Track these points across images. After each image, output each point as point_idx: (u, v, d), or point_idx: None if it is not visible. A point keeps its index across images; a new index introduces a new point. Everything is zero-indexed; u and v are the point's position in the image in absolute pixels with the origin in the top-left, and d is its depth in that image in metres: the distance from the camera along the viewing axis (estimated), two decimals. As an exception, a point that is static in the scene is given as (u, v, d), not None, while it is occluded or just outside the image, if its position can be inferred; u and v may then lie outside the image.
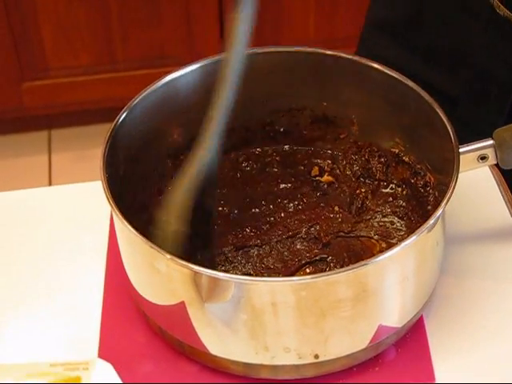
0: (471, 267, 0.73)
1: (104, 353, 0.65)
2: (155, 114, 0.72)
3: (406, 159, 0.74)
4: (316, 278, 0.59)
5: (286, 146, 0.79)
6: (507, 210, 0.77)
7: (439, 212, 0.61)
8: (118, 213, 0.61)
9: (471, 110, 0.73)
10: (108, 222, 0.76)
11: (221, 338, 0.63)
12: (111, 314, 0.69)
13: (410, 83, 0.70)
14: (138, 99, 0.70)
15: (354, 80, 0.74)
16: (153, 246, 0.59)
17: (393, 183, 0.76)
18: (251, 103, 0.75)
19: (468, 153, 0.66)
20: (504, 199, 0.78)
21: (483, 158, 0.67)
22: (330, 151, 0.78)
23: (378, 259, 0.59)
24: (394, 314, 0.65)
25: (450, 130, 0.66)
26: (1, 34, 1.72)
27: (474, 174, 0.70)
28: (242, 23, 0.63)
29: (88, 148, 1.90)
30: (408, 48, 0.70)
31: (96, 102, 1.83)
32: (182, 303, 0.61)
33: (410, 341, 0.67)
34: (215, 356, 0.64)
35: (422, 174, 0.73)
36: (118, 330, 0.68)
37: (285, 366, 0.64)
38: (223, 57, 0.65)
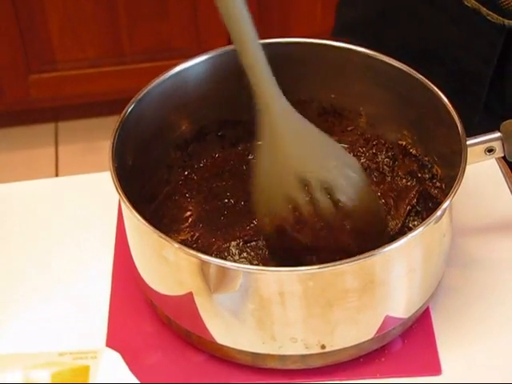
0: (477, 259, 0.73)
1: (112, 342, 0.66)
2: (163, 106, 0.72)
3: (414, 152, 0.74)
4: (323, 268, 0.59)
5: None
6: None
7: (446, 204, 0.61)
8: (126, 201, 0.61)
9: None
10: (116, 213, 0.77)
11: (228, 328, 0.63)
12: (119, 303, 0.69)
13: (418, 76, 0.70)
14: (146, 90, 0.70)
15: (361, 72, 0.74)
16: (161, 235, 0.60)
17: (399, 176, 0.76)
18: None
19: (475, 145, 0.66)
20: (511, 192, 0.78)
21: (490, 150, 0.67)
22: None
23: (384, 250, 0.59)
24: (401, 305, 0.65)
25: (457, 123, 0.66)
26: (8, 27, 1.72)
27: (481, 167, 0.70)
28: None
29: (94, 140, 1.91)
30: (380, 47, 0.70)
31: (103, 94, 1.83)
32: (190, 293, 0.62)
33: (417, 331, 0.67)
34: (222, 345, 0.64)
35: (429, 166, 0.73)
36: (126, 320, 0.68)
37: (292, 356, 0.64)
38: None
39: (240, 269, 0.59)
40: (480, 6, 0.78)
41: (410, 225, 0.73)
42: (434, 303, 0.69)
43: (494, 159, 0.79)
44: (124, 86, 1.69)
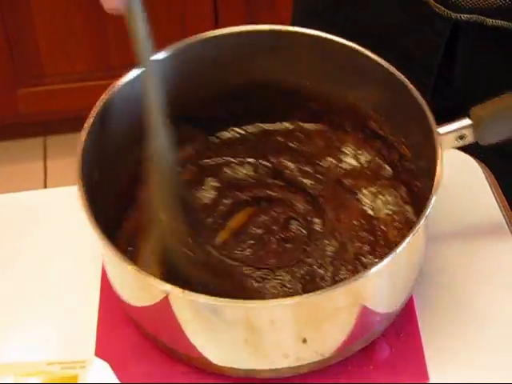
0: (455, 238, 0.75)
1: (100, 352, 0.66)
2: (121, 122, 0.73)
3: (381, 133, 0.75)
4: (309, 296, 0.59)
5: (250, 127, 0.80)
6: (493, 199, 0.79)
7: (422, 221, 0.62)
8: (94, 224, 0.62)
9: None
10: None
11: (218, 348, 0.63)
12: (108, 313, 0.69)
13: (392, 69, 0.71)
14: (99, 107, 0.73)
15: (318, 55, 0.74)
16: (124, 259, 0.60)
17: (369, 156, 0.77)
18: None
19: (447, 134, 0.67)
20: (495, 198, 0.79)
21: (461, 137, 0.68)
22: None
23: (369, 272, 0.59)
24: (385, 306, 0.65)
25: (427, 114, 0.67)
26: (-4, 41, 1.72)
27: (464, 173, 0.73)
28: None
29: (83, 154, 1.90)
30: (331, 29, 0.72)
31: (91, 108, 1.82)
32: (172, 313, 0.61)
33: (404, 340, 0.68)
34: (213, 363, 0.64)
35: (397, 146, 0.74)
36: (115, 330, 0.68)
37: (284, 368, 0.64)
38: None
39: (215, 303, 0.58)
40: None
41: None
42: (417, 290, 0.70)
43: (478, 167, 0.80)
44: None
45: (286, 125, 0.80)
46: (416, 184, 0.72)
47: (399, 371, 0.66)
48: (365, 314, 0.63)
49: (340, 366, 0.66)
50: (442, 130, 0.67)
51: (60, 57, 1.78)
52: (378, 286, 0.62)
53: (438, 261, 0.73)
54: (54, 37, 1.74)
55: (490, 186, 0.79)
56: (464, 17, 0.78)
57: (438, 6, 0.79)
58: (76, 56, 1.78)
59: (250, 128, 0.80)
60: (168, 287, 0.58)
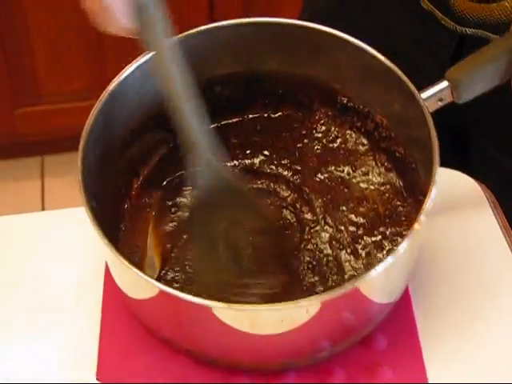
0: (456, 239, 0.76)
1: (102, 376, 0.65)
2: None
3: (352, 105, 0.76)
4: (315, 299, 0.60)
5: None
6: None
7: (421, 218, 0.62)
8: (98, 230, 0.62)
9: None
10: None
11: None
12: (110, 335, 0.69)
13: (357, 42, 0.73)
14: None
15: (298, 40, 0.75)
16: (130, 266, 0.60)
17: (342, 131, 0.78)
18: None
19: (429, 98, 0.69)
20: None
21: (441, 99, 0.70)
22: None
23: (366, 278, 0.60)
24: (386, 297, 0.66)
25: (406, 81, 0.69)
26: (-6, 60, 1.72)
27: (465, 194, 0.74)
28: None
29: (81, 173, 1.90)
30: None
31: (89, 127, 1.83)
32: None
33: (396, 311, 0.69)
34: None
35: (371, 116, 0.75)
36: (117, 353, 0.67)
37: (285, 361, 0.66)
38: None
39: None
40: (435, 10, 0.80)
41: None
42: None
43: (483, 195, 0.80)
44: (110, 119, 1.69)
45: (249, 116, 0.80)
46: (398, 150, 0.74)
47: (396, 364, 0.66)
48: (365, 306, 0.64)
49: (337, 358, 0.66)
50: (424, 95, 0.69)
51: (57, 76, 1.78)
52: (380, 281, 0.63)
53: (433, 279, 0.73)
54: (52, 57, 1.75)
55: (492, 207, 0.79)
56: (469, 31, 0.79)
57: (445, 18, 0.79)
58: (73, 75, 1.78)
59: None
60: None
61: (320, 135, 0.79)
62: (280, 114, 0.80)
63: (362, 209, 0.74)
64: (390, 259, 0.60)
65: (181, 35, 0.73)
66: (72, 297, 0.73)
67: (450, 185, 0.78)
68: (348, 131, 0.78)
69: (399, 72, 0.70)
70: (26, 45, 1.72)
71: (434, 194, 0.63)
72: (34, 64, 1.75)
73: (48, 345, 0.69)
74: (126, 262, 0.60)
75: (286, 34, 0.75)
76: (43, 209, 1.85)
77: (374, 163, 0.76)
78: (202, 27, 0.75)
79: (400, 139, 0.74)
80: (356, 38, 0.73)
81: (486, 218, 0.78)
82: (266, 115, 0.80)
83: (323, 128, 0.79)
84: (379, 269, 0.60)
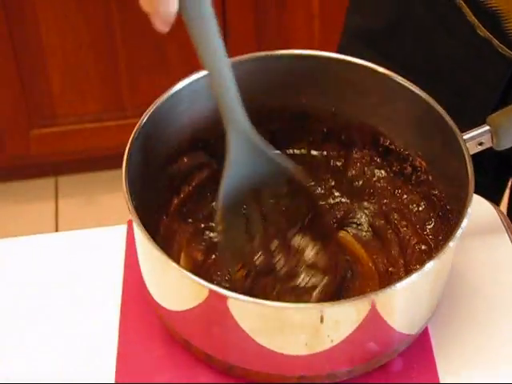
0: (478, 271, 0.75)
1: (121, 379, 0.65)
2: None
3: (392, 147, 0.76)
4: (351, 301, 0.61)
5: None
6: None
7: (458, 232, 0.63)
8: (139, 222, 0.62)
9: None
10: (119, 265, 0.76)
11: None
12: (128, 341, 0.69)
13: (399, 79, 0.72)
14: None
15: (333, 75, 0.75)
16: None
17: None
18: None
19: (469, 141, 0.69)
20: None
21: (480, 143, 0.70)
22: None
23: (396, 287, 0.60)
24: (406, 325, 0.66)
25: (449, 122, 0.69)
26: (10, 81, 1.73)
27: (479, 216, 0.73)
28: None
29: (95, 195, 1.91)
30: (386, 58, 0.72)
31: (104, 149, 1.83)
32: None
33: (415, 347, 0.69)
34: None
35: (411, 159, 0.75)
36: (135, 356, 0.68)
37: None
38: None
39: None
40: (492, 38, 0.79)
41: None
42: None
43: (495, 212, 0.79)
44: (125, 140, 1.69)
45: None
46: (434, 193, 0.74)
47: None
48: (387, 333, 0.64)
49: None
50: (465, 136, 0.69)
51: (72, 98, 1.78)
52: (403, 303, 0.63)
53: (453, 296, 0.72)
54: (67, 78, 1.75)
55: (505, 228, 0.79)
56: None
57: (502, 46, 0.79)
58: (88, 97, 1.79)
59: None
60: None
61: (354, 174, 0.79)
62: (321, 152, 0.80)
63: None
64: (415, 276, 0.60)
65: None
66: (89, 315, 0.73)
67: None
68: (388, 174, 0.78)
69: (442, 111, 0.70)
70: (42, 66, 1.72)
71: (465, 223, 0.63)
72: (48, 85, 1.75)
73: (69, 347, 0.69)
74: (179, 267, 0.61)
75: (328, 68, 0.75)
76: (57, 230, 1.85)
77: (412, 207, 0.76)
78: (254, 54, 0.75)
79: (436, 181, 0.74)
80: (406, 64, 0.72)
81: (502, 244, 0.78)
82: (305, 152, 0.80)
83: (360, 169, 0.79)
84: (403, 284, 0.60)
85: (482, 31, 0.80)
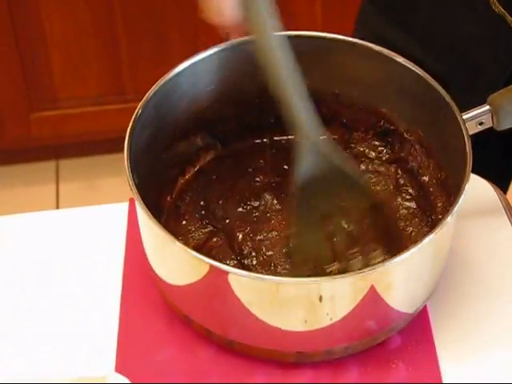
0: (476, 251, 0.75)
1: (121, 368, 0.66)
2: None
3: (393, 127, 0.77)
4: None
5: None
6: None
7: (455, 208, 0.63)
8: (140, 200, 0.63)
9: (457, 99, 0.75)
10: (121, 241, 0.77)
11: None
12: (128, 328, 0.69)
13: (400, 59, 0.73)
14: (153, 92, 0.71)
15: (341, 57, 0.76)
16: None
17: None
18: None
19: (469, 121, 0.70)
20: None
21: (481, 123, 0.70)
22: None
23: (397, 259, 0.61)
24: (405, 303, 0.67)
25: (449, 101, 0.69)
26: (11, 65, 1.73)
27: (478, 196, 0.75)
28: None
29: (96, 178, 1.91)
30: (404, 28, 0.72)
31: (104, 132, 1.84)
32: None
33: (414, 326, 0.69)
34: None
35: (412, 141, 0.75)
36: (135, 345, 0.68)
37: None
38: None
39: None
40: (506, 14, 0.80)
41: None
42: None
43: (495, 194, 0.80)
44: (125, 124, 1.70)
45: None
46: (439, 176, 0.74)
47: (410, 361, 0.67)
48: (385, 309, 0.65)
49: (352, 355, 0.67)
50: (465, 116, 0.69)
51: (73, 81, 1.79)
52: (400, 279, 0.63)
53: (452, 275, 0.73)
54: (68, 61, 1.76)
55: (504, 208, 0.79)
56: None
57: (501, 8, 0.79)
58: (89, 80, 1.79)
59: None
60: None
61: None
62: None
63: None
64: (413, 251, 0.61)
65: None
66: (91, 294, 0.73)
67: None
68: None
69: (442, 91, 0.70)
70: (42, 50, 1.73)
71: (462, 199, 0.64)
72: (49, 69, 1.76)
73: (69, 336, 0.70)
74: (180, 244, 0.62)
75: (330, 50, 0.75)
76: (57, 213, 1.85)
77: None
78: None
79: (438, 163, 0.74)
80: (423, 35, 0.72)
81: (501, 224, 0.78)
82: None
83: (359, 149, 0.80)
84: (403, 256, 0.61)
85: (497, 7, 0.80)
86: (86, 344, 0.69)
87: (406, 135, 0.77)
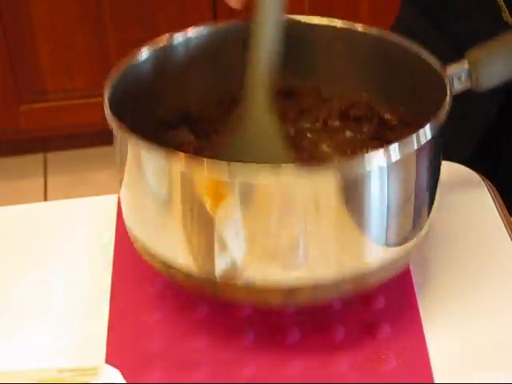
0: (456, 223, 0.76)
1: (111, 359, 0.66)
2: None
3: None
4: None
5: None
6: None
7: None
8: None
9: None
10: (112, 233, 0.77)
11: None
12: (118, 318, 0.69)
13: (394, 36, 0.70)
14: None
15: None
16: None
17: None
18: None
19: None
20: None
21: (459, 77, 0.66)
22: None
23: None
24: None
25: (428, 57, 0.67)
26: (-1, 57, 1.74)
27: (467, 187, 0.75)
28: None
29: (84, 171, 1.91)
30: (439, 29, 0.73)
31: (92, 125, 1.83)
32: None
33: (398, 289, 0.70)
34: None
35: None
36: (126, 336, 0.68)
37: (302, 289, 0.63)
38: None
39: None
40: None
41: None
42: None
43: (485, 187, 0.81)
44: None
45: None
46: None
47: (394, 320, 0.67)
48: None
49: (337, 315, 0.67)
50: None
51: (62, 74, 1.79)
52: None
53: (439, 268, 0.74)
54: (56, 54, 1.76)
55: (493, 201, 0.80)
56: None
57: (510, 18, 0.80)
58: (77, 73, 1.79)
59: None
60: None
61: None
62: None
63: None
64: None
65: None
66: (80, 280, 0.73)
67: (452, 178, 0.79)
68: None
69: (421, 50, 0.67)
70: (31, 42, 1.73)
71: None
72: (38, 61, 1.76)
73: (58, 326, 0.70)
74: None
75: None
76: (46, 206, 1.86)
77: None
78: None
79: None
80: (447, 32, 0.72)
81: (484, 206, 0.79)
82: None
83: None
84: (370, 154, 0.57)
85: (506, 16, 0.80)
86: (76, 335, 0.69)
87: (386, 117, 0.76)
